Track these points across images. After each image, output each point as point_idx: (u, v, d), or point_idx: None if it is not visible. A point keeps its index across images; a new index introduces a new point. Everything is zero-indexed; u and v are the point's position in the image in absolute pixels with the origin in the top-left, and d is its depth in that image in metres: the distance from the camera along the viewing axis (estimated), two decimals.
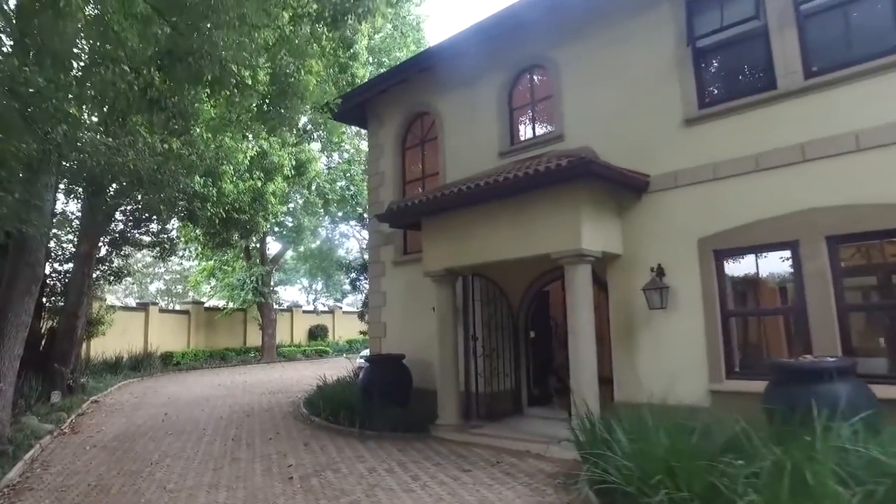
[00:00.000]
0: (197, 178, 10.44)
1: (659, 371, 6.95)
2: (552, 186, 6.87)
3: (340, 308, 37.14)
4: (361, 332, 26.47)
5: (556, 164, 6.55)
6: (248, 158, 12.83)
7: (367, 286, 13.64)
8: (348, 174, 24.43)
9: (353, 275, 15.97)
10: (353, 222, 29.34)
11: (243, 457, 7.22)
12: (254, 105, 7.88)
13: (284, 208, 16.92)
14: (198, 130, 8.74)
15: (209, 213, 12.19)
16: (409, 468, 6.37)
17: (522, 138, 9.17)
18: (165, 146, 7.60)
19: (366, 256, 23.41)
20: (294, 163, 15.89)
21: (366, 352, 19.65)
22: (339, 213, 26.03)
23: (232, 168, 11.86)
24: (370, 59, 19.19)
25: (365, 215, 28.09)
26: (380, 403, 8.55)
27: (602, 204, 7.22)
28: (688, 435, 4.95)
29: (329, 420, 8.97)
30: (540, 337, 9.81)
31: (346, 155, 24.35)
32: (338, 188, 24.96)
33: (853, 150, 5.88)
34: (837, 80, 6.04)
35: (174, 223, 14.68)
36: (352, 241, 29.60)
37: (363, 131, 29.18)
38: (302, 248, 27.46)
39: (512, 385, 9.31)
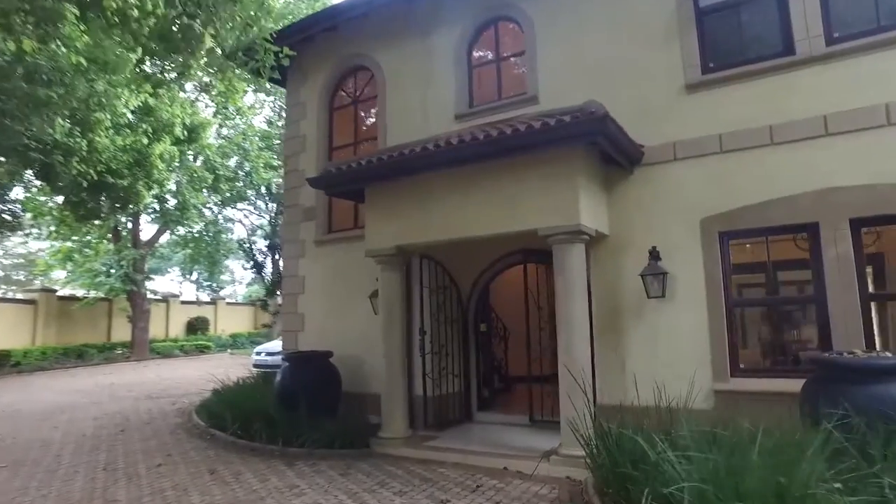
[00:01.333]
0: (60, 121, 7.81)
1: (652, 369, 6.01)
2: (547, 148, 5.66)
3: (224, 299, 33.68)
4: (265, 325, 23.75)
5: (558, 119, 5.34)
6: (130, 109, 10.22)
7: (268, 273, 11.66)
8: (241, 149, 21.70)
9: (257, 258, 13.59)
10: (243, 204, 26.39)
11: (123, 497, 5.20)
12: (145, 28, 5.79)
13: (173, 177, 14.15)
14: (63, 50, 6.40)
15: (74, 173, 9.39)
16: (366, 501, 4.84)
17: (484, 100, 7.89)
18: (11, 45, 5.24)
19: (256, 240, 20.90)
20: (187, 123, 13.26)
21: (264, 346, 17.37)
22: (229, 193, 23.12)
23: (109, 118, 9.20)
24: None
25: (259, 193, 25.40)
26: (306, 413, 6.85)
27: (594, 175, 6.15)
28: (759, 446, 3.90)
29: (239, 435, 7.07)
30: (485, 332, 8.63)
31: (240, 124, 21.59)
32: (231, 165, 22.09)
33: (883, 125, 5.31)
34: (866, 48, 5.45)
35: (19, 188, 11.54)
36: (238, 227, 26.64)
37: (262, 100, 26.51)
38: (182, 231, 24.06)
39: (461, 387, 8.03)
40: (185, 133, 13.21)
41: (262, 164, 20.76)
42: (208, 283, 34.94)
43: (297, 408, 6.94)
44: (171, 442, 7.29)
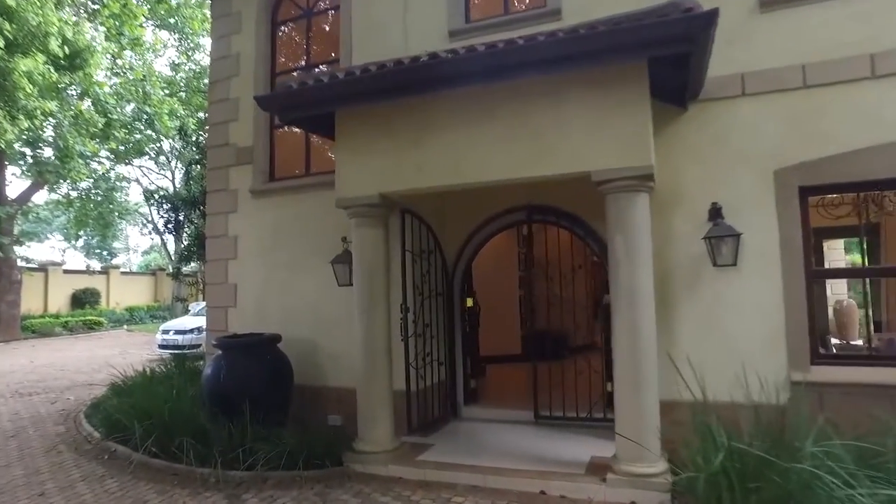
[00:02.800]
0: None
1: (709, 355, 4.80)
2: (611, 63, 4.14)
3: (119, 268, 29.72)
4: (181, 299, 20.60)
5: (656, 20, 3.83)
6: None
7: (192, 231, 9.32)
8: (141, 92, 18.36)
9: (170, 214, 10.94)
10: (142, 161, 22.83)
11: None
12: None
13: (50, 111, 11.04)
14: None
15: None
16: None
17: (487, 14, 6.22)
18: None
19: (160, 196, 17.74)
20: (69, 37, 10.31)
21: (173, 324, 14.75)
22: (125, 146, 19.67)
23: None
24: None
25: (162, 150, 21.99)
26: (251, 419, 5.03)
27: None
28: None
29: (155, 454, 5.08)
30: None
31: (137, 61, 18.23)
32: (128, 112, 18.68)
33: None
34: None
35: None
36: (137, 188, 22.96)
37: (164, 40, 22.79)
38: (66, 189, 20.33)
39: (447, 376, 6.49)
40: (65, 53, 10.27)
41: (166, 111, 17.66)
42: (100, 250, 30.65)
43: (237, 412, 5.09)
44: (46, 468, 5.13)
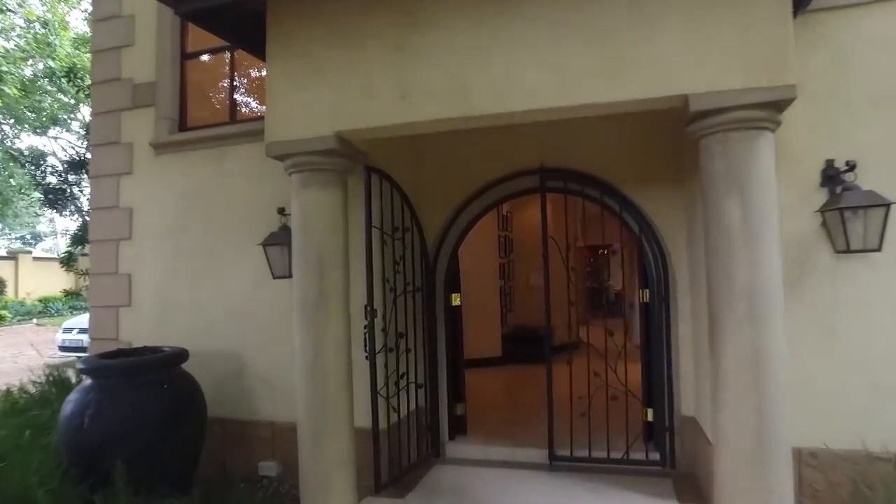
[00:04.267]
0: None
1: (828, 384, 3.28)
2: None
3: (30, 253, 26.37)
4: (66, 292, 17.72)
5: None
6: None
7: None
8: (43, 44, 15.50)
9: (58, 182, 8.49)
10: (59, 132, 19.73)
11: None
12: None
13: None
14: None
15: None
16: None
17: None
18: None
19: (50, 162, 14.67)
20: None
21: (77, 321, 12.25)
22: (38, 112, 16.72)
23: None
24: None
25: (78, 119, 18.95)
26: (132, 488, 3.15)
27: None
28: None
29: None
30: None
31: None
32: (26, 73, 15.76)
33: None
34: None
35: None
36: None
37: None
38: None
39: (426, 402, 4.74)
40: None
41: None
42: (7, 232, 27.14)
43: (109, 477, 3.19)
44: None
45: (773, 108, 2.59)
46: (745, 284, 2.57)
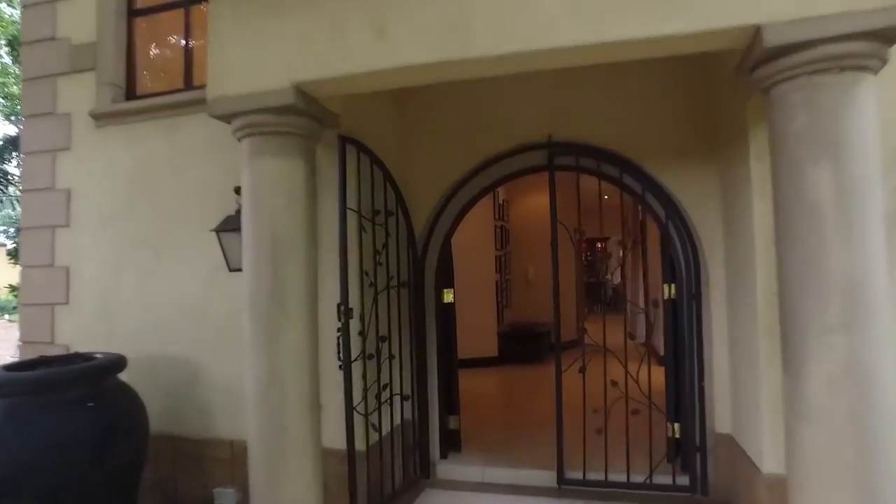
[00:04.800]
0: None
1: None
2: None
3: (5, 245, 25.35)
4: (12, 287, 16.34)
5: None
6: None
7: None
8: None
9: None
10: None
11: None
12: None
13: None
14: None
15: None
16: None
17: None
18: None
19: None
20: None
21: None
22: None
23: None
24: None
25: None
26: None
27: None
28: None
29: None
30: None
31: None
32: None
33: None
34: None
35: None
36: None
37: None
38: None
39: (414, 415, 4.05)
40: None
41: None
42: None
43: None
44: None
45: (881, 40, 1.91)
46: (839, 280, 1.90)
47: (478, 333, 7.87)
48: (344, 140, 3.26)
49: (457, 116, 4.12)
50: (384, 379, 3.61)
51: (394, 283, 3.75)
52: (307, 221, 2.68)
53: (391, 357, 3.67)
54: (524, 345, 8.23)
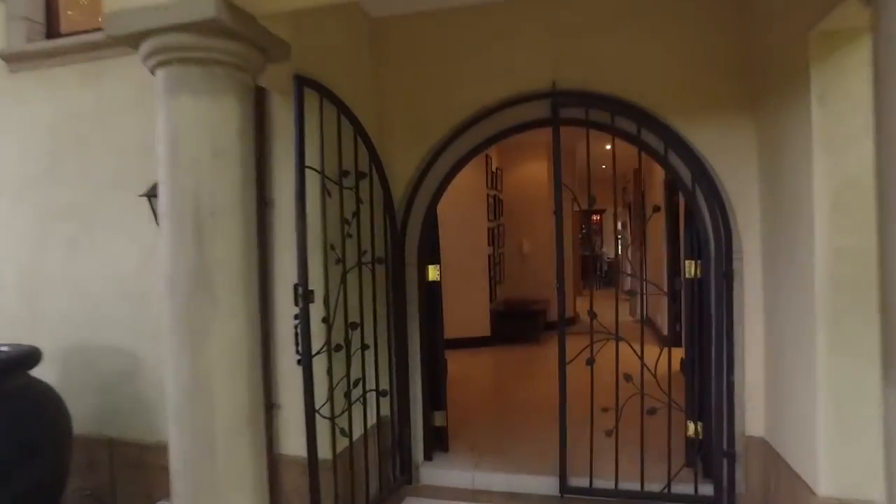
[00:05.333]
0: None
1: None
2: None
3: None
4: None
5: None
6: None
7: None
8: None
9: None
10: None
11: None
12: None
13: None
14: None
15: None
16: None
17: None
18: None
19: None
20: None
21: None
22: None
23: None
24: None
25: None
26: None
27: None
28: None
29: None
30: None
31: None
32: None
33: None
34: None
35: None
36: None
37: None
38: None
39: (393, 412, 3.48)
40: None
41: None
42: None
43: None
44: None
45: None
46: None
47: (469, 311, 7.33)
48: (301, 81, 2.60)
49: (443, 63, 3.46)
50: (355, 373, 3.03)
51: (367, 258, 3.13)
52: (243, 181, 2.04)
53: (364, 347, 3.08)
54: (519, 324, 7.70)
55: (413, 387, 3.57)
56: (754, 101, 3.01)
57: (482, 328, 7.57)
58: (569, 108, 3.26)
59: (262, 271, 2.88)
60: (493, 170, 8.08)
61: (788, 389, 2.68)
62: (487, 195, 7.72)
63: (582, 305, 10.31)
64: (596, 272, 14.73)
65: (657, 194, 7.23)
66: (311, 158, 2.68)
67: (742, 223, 3.06)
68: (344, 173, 2.96)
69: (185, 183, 1.93)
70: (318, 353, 2.68)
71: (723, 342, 3.06)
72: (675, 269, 5.60)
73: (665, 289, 5.76)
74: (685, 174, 3.16)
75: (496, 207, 8.19)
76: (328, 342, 2.77)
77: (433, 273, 3.76)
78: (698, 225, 3.20)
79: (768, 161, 2.90)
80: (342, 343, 2.90)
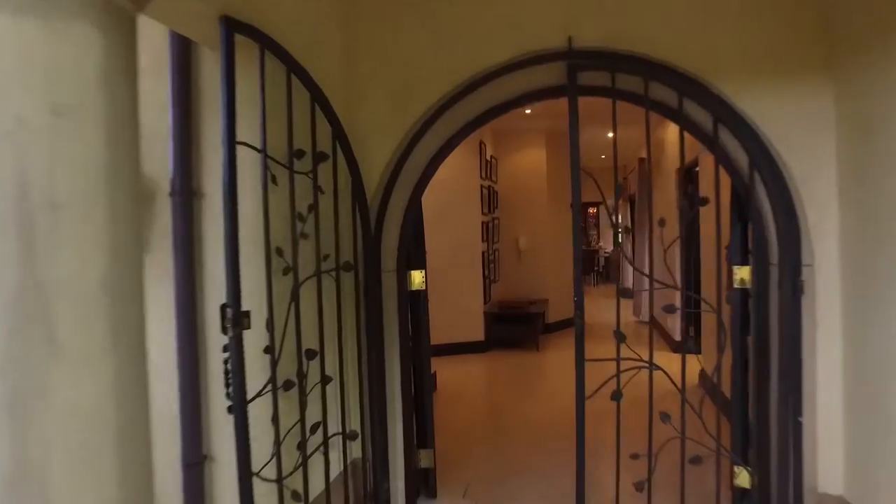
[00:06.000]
0: None
1: None
2: None
3: None
4: None
5: None
6: None
7: None
8: None
9: None
10: None
11: None
12: None
13: None
14: None
15: None
16: None
17: None
18: None
19: None
20: None
21: None
22: None
23: None
24: None
25: None
26: None
27: None
28: None
29: None
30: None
31: None
32: None
33: None
34: None
35: None
36: None
37: None
38: None
39: (366, 456, 2.77)
40: None
41: None
42: None
43: None
44: None
45: None
46: None
47: (460, 314, 6.65)
48: (232, 25, 1.87)
49: (432, 14, 2.73)
50: (314, 415, 2.32)
51: (329, 265, 2.42)
52: (109, 156, 1.31)
53: (325, 380, 2.37)
54: (515, 327, 7.02)
55: (392, 424, 2.87)
56: (837, 64, 2.32)
57: (475, 332, 6.89)
58: (589, 73, 2.55)
59: (186, 284, 2.17)
60: (488, 158, 7.37)
61: (883, 437, 2.00)
62: (481, 186, 7.01)
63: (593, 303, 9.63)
64: (594, 268, 14.10)
65: (667, 182, 6.56)
66: (248, 132, 1.96)
67: (813, 220, 2.38)
68: (297, 154, 2.23)
69: (5, 163, 1.19)
70: (257, 395, 1.97)
71: (789, 372, 2.38)
72: (689, 274, 4.93)
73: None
74: (740, 157, 2.46)
75: (491, 200, 7.49)
76: (273, 380, 2.05)
77: (418, 280, 3.05)
78: (751, 219, 2.51)
79: (854, 141, 2.20)
80: (294, 378, 2.20)
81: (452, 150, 2.89)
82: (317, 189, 2.33)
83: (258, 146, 2.01)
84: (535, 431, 4.18)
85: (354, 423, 2.67)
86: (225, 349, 1.93)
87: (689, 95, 2.44)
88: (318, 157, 2.35)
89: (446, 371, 5.67)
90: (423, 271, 3.06)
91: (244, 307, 1.93)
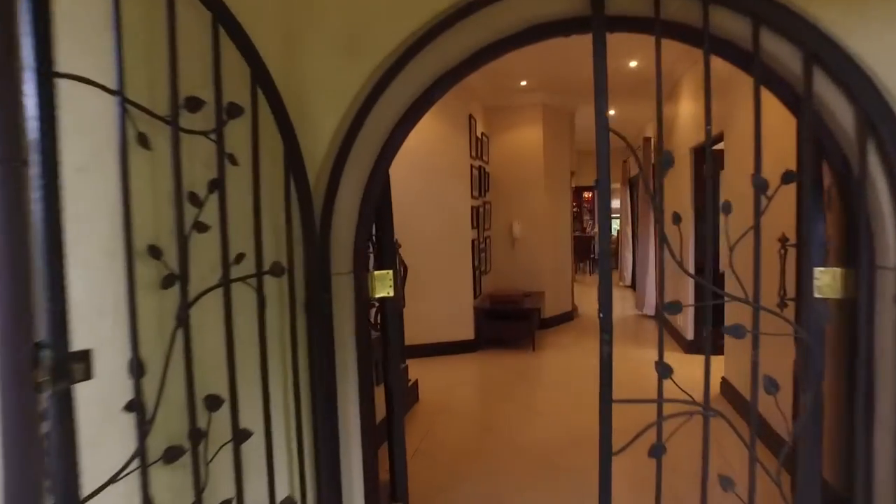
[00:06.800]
0: None
1: None
2: None
3: None
4: None
5: None
6: None
7: None
8: None
9: None
10: None
11: None
12: None
13: None
14: None
15: None
16: None
17: None
18: None
19: None
20: None
21: None
22: None
23: None
24: None
25: None
26: None
27: None
28: None
29: None
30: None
31: None
32: None
33: None
34: None
35: None
36: None
37: None
38: None
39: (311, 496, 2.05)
40: None
41: None
42: None
43: None
44: None
45: None
46: None
47: (447, 310, 5.94)
48: None
49: None
50: (223, 490, 1.58)
51: (246, 269, 1.66)
52: None
53: (240, 437, 1.62)
54: (508, 324, 6.32)
55: (348, 484, 2.13)
56: None
57: (464, 330, 6.17)
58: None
59: (14, 303, 1.40)
60: (479, 135, 6.59)
61: None
62: (471, 167, 6.24)
63: (582, 290, 8.99)
64: (591, 255, 13.43)
65: (679, 165, 5.86)
66: (84, 58, 1.19)
67: None
68: (189, 103, 1.46)
69: None
70: (110, 482, 1.23)
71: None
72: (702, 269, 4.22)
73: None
74: (843, 117, 1.72)
75: (482, 182, 6.73)
76: (141, 452, 1.31)
77: (384, 284, 2.29)
78: (855, 209, 1.77)
79: None
80: (185, 444, 1.45)
81: (426, 110, 2.12)
82: (223, 157, 1.56)
83: (112, 86, 1.24)
84: (536, 462, 3.48)
85: (293, 488, 1.93)
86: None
87: (769, 25, 1.69)
88: (228, 111, 1.58)
89: (430, 377, 4.97)
90: (392, 272, 2.30)
91: (87, 342, 1.18)
